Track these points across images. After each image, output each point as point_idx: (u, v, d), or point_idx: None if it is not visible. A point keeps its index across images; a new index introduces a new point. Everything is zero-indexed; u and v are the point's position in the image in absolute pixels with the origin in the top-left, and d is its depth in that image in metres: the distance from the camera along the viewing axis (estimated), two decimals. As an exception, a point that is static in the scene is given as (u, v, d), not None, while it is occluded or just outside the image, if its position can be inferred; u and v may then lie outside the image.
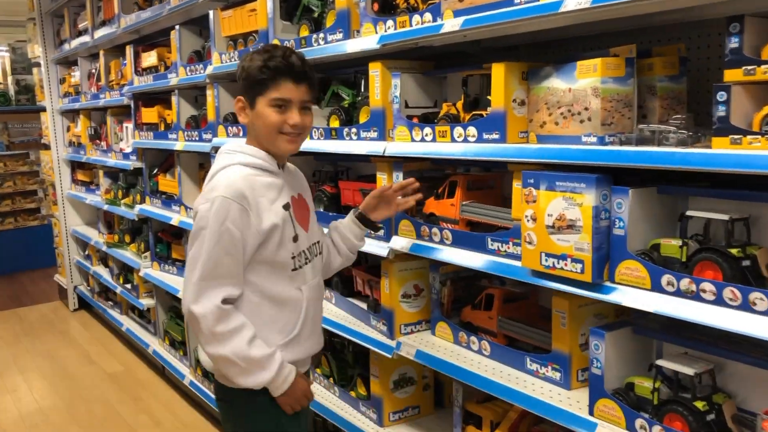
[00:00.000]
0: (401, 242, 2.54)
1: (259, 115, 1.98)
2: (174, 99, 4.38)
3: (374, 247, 2.63)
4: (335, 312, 3.09)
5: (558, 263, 1.90)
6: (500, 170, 2.40)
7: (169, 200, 4.73)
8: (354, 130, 2.71)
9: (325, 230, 2.42)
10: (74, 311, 7.08)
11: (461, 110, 2.34)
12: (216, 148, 3.77)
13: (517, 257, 2.08)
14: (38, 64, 7.17)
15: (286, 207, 2.00)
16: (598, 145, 1.84)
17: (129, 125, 5.30)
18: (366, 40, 2.54)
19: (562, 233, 1.88)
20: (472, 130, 2.19)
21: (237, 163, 1.99)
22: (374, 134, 2.60)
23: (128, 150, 5.33)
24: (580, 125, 1.90)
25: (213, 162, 2.12)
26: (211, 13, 3.76)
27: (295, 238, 2.01)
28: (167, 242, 5.08)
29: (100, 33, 5.55)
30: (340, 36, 2.72)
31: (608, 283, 1.83)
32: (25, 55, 9.79)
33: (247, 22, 3.45)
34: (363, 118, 2.74)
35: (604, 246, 1.82)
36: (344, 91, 2.92)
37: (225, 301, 1.90)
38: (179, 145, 4.27)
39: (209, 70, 3.79)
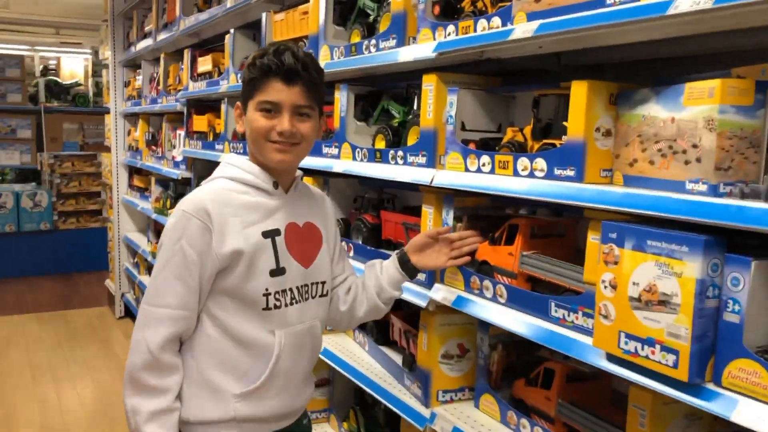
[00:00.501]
0: (444, 292, 2.10)
1: (248, 121, 1.72)
2: (223, 107, 4.09)
3: (411, 294, 2.20)
4: (367, 362, 2.66)
5: (642, 349, 1.42)
6: (573, 215, 1.93)
7: (212, 214, 4.43)
8: (400, 153, 2.29)
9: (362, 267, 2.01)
10: (119, 319, 6.90)
11: (529, 137, 1.89)
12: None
13: (588, 332, 1.61)
14: (107, 66, 7.10)
15: (268, 234, 1.69)
16: (709, 196, 1.36)
17: (182, 132, 5.06)
18: (421, 48, 2.13)
19: (651, 310, 1.40)
20: (540, 163, 1.73)
21: (222, 177, 1.75)
22: (422, 159, 2.17)
23: (179, 158, 5.08)
24: (684, 167, 1.42)
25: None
26: (264, 15, 3.43)
27: (276, 272, 1.69)
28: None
29: (162, 36, 5.37)
30: (393, 43, 2.32)
31: (712, 386, 1.34)
32: (103, 58, 9.90)
33: (298, 26, 3.10)
34: (411, 140, 2.32)
35: (710, 335, 1.33)
36: (395, 107, 2.52)
37: (166, 343, 1.62)
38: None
39: (257, 77, 3.46)
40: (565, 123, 1.73)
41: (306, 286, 1.77)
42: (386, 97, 2.61)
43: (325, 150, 2.83)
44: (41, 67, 11.42)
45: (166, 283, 1.63)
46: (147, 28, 5.94)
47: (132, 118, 6.77)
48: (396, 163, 2.32)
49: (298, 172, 1.84)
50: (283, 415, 1.78)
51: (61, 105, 10.18)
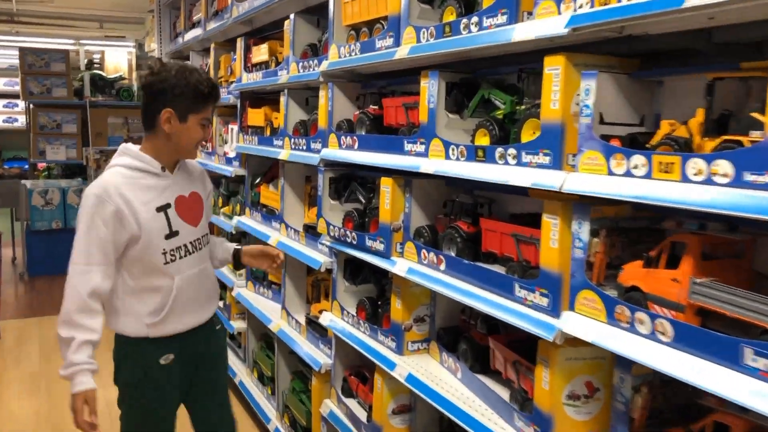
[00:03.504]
0: (579, 324, 1.71)
1: (187, 129, 2.27)
2: (283, 100, 3.76)
3: (529, 322, 1.83)
4: (461, 392, 2.30)
5: None
6: (754, 230, 1.53)
7: (270, 215, 4.13)
8: (512, 151, 1.91)
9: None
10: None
11: (696, 132, 1.50)
12: (326, 161, 3.10)
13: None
14: (153, 58, 6.85)
15: (161, 208, 2.30)
16: None
17: (234, 127, 4.76)
18: (546, 24, 1.75)
19: None
20: (723, 166, 1.34)
21: (119, 165, 2.28)
22: (544, 159, 1.79)
23: (232, 154, 4.78)
24: None
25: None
26: (330, -3, 3.09)
27: (171, 235, 2.31)
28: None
29: (212, 24, 5.06)
30: (502, 19, 1.94)
31: None
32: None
33: (374, 7, 2.74)
34: (527, 136, 1.94)
35: None
36: (499, 96, 2.14)
37: (92, 292, 2.21)
38: (284, 154, 3.63)
39: (324, 66, 3.12)
40: (756, 114, 1.33)
41: (198, 240, 2.43)
42: (486, 84, 2.23)
43: (407, 147, 2.47)
44: (86, 61, 11.30)
45: (89, 250, 2.20)
46: (196, 17, 5.65)
47: (179, 112, 6.52)
48: (506, 163, 1.94)
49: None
50: (187, 329, 2.43)
51: (105, 99, 10.02)
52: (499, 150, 1.97)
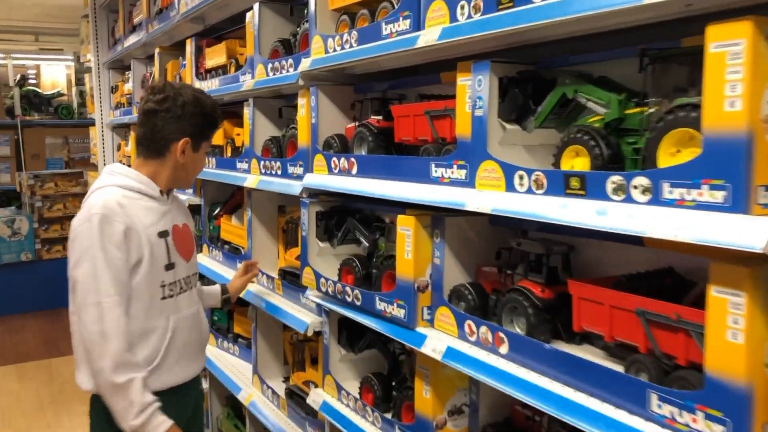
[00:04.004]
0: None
1: (198, 159, 2.11)
2: (247, 111, 2.98)
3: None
4: None
5: None
6: None
7: (234, 253, 3.33)
8: (642, 181, 1.19)
9: None
10: (115, 370, 5.76)
11: None
12: (309, 190, 2.35)
13: None
14: (90, 70, 5.98)
15: (162, 234, 2.00)
16: None
17: (186, 146, 3.94)
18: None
19: None
20: None
21: (113, 185, 1.98)
22: (714, 195, 1.07)
23: (184, 179, 3.97)
24: None
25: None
26: (311, -25, 2.33)
27: (169, 267, 2.01)
28: (228, 310, 3.68)
29: (156, 26, 4.25)
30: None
31: None
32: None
33: (376, -19, 2.00)
34: (666, 157, 1.21)
35: None
36: (597, 96, 1.41)
37: (125, 328, 1.87)
38: (251, 180, 2.85)
39: (304, 65, 2.36)
40: None
41: (189, 278, 2.13)
42: (568, 80, 1.49)
43: (436, 172, 1.73)
44: (18, 76, 10.28)
45: (103, 281, 1.85)
46: (137, 19, 4.81)
47: (122, 129, 5.65)
48: (628, 199, 1.21)
49: None
50: (182, 382, 2.07)
51: (42, 118, 9.04)
52: (615, 179, 1.24)
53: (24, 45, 10.82)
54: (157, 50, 4.39)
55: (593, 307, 1.39)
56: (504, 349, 1.57)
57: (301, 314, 2.50)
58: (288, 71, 2.57)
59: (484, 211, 1.51)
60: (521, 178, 1.47)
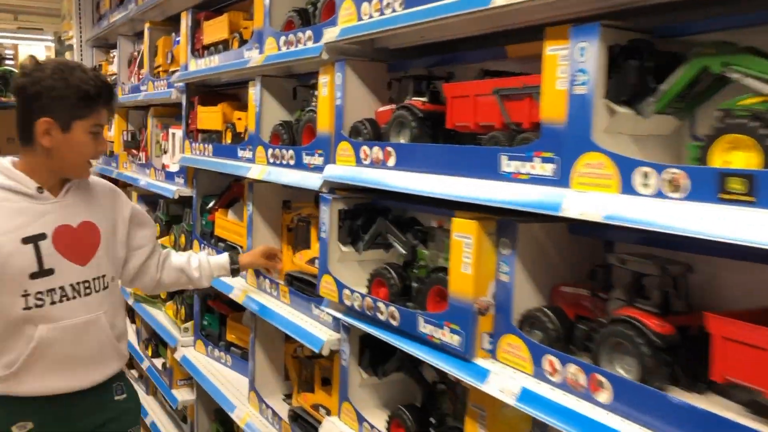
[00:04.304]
0: None
1: (73, 141, 1.84)
2: (253, 92, 2.60)
3: None
4: None
5: None
6: None
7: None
8: None
9: None
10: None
11: None
12: (331, 184, 1.98)
13: None
14: (71, 48, 5.55)
15: (29, 239, 1.82)
16: None
17: (178, 132, 3.56)
18: None
19: None
20: None
21: None
22: None
23: (174, 168, 3.59)
24: None
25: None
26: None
27: (40, 274, 1.84)
28: (220, 314, 3.31)
29: (147, -3, 3.85)
30: None
31: None
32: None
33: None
34: None
35: None
36: (761, 68, 1.05)
37: None
38: (257, 171, 2.48)
39: (330, 35, 1.99)
40: None
41: (87, 282, 1.93)
42: (708, 49, 1.14)
43: (507, 166, 1.37)
44: (-7, 55, 9.79)
45: None
46: (125, -9, 4.41)
47: (104, 113, 5.23)
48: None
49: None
50: (53, 393, 1.91)
51: (18, 100, 8.55)
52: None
53: (2, 23, 10.34)
54: (147, 25, 4.01)
55: (749, 352, 1.04)
56: (605, 397, 1.22)
57: (315, 329, 2.14)
58: (306, 44, 2.20)
59: (592, 219, 1.15)
60: (646, 176, 1.11)
